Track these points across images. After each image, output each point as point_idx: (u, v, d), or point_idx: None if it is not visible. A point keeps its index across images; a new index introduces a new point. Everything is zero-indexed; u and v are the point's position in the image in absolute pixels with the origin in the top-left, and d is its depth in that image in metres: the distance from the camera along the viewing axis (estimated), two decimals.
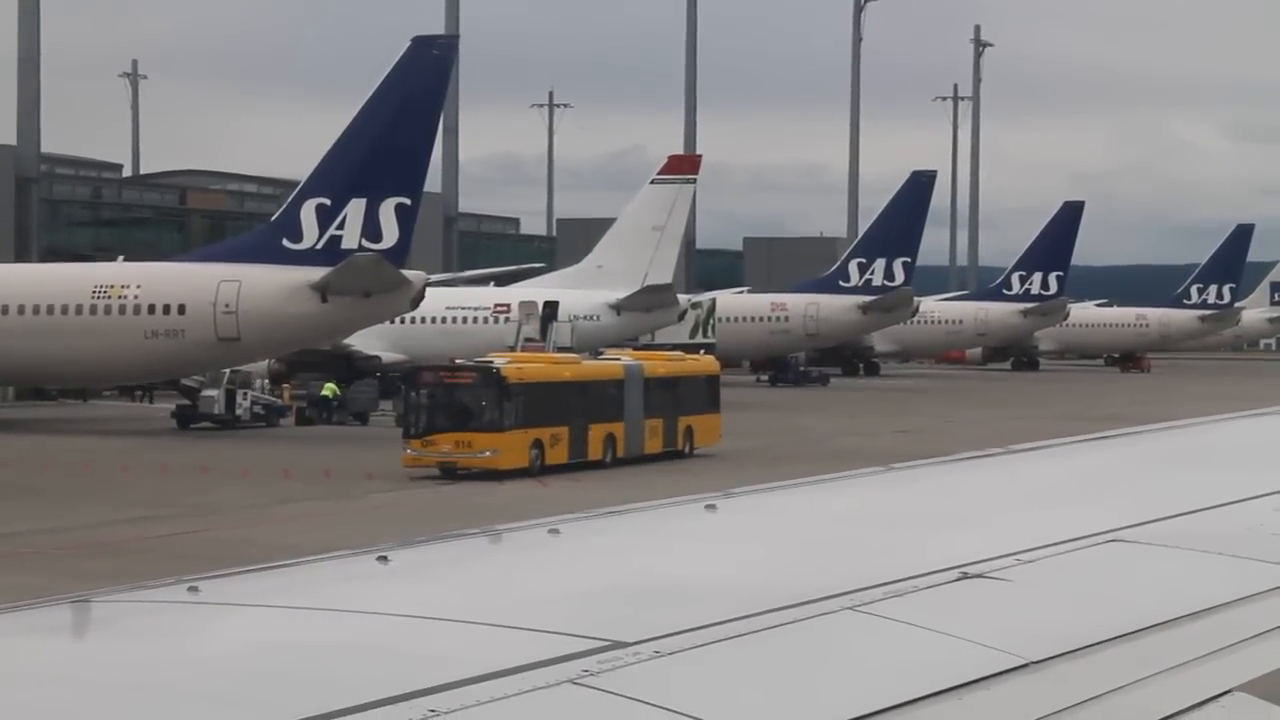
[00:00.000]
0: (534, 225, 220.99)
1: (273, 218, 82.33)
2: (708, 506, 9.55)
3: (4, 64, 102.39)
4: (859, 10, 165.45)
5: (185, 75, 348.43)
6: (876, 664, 6.93)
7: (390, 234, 76.52)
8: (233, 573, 7.68)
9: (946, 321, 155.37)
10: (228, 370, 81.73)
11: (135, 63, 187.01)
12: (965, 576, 8.03)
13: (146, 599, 7.34)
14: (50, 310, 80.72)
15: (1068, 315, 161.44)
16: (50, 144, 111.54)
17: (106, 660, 6.58)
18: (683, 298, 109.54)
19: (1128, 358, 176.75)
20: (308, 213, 77.77)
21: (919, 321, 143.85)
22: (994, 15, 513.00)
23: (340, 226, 77.07)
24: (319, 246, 77.37)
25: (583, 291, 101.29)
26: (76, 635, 7.18)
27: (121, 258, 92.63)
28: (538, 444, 61.19)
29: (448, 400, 60.64)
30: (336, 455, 67.91)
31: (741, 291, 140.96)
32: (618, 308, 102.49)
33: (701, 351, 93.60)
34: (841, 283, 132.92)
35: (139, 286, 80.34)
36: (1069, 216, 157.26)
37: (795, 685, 6.53)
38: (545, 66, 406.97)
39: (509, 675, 6.05)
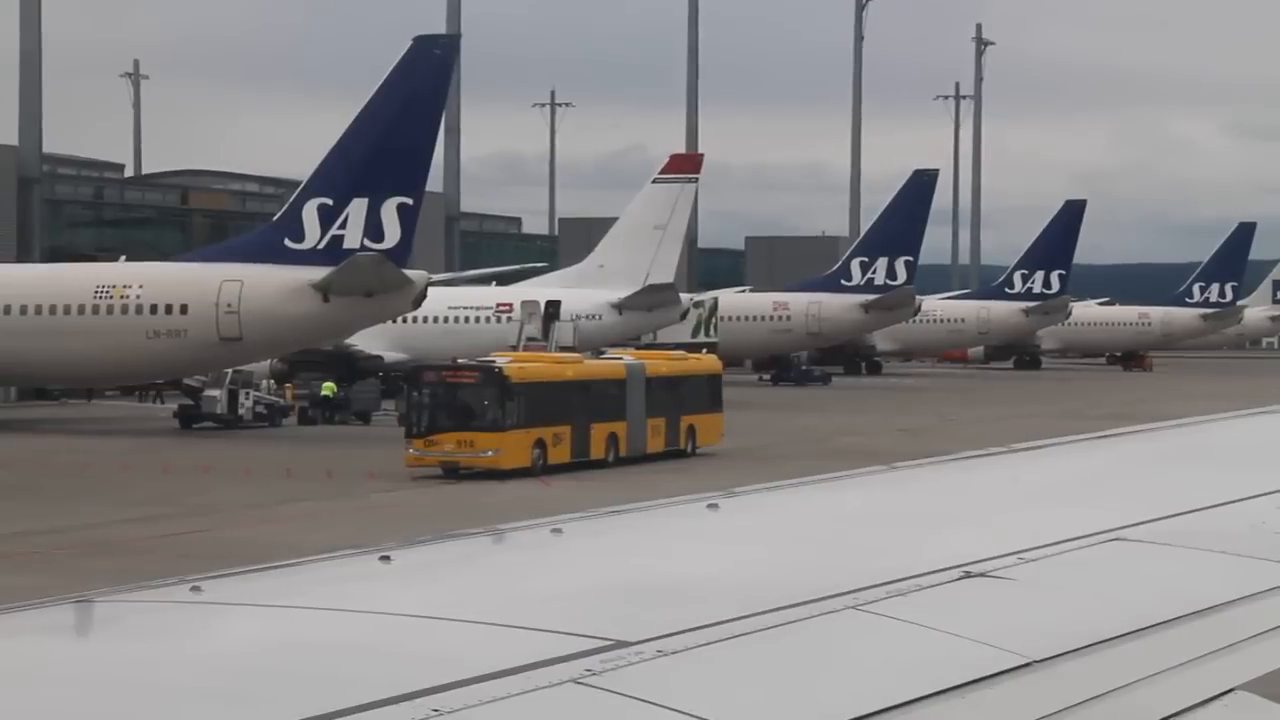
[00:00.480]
0: (536, 224, 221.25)
1: (275, 217, 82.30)
2: (710, 506, 9.56)
3: (6, 64, 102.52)
4: (860, 9, 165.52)
5: (187, 75, 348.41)
6: (879, 663, 6.93)
7: (392, 234, 76.54)
8: (235, 572, 7.69)
9: (948, 320, 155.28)
10: (230, 370, 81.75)
11: (137, 62, 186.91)
12: (968, 575, 8.03)
13: (149, 599, 7.35)
14: (53, 310, 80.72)
15: (1070, 314, 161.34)
16: (52, 144, 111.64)
17: (109, 660, 6.59)
18: (685, 297, 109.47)
19: (1130, 356, 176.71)
20: (310, 212, 77.79)
21: (921, 320, 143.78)
22: (995, 14, 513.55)
23: (342, 226, 77.08)
24: (321, 246, 77.38)
25: (585, 291, 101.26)
26: (79, 635, 7.18)
27: (124, 257, 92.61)
28: (540, 443, 61.19)
29: (450, 400, 60.63)
30: (338, 455, 67.93)
31: (743, 291, 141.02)
32: (620, 307, 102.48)
33: (704, 351, 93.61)
34: (844, 282, 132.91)
35: (141, 286, 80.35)
36: (1071, 215, 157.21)
37: (798, 684, 6.53)
38: (547, 66, 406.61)
39: (512, 675, 6.05)
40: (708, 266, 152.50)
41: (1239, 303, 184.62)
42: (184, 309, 78.74)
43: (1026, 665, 7.01)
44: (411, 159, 77.04)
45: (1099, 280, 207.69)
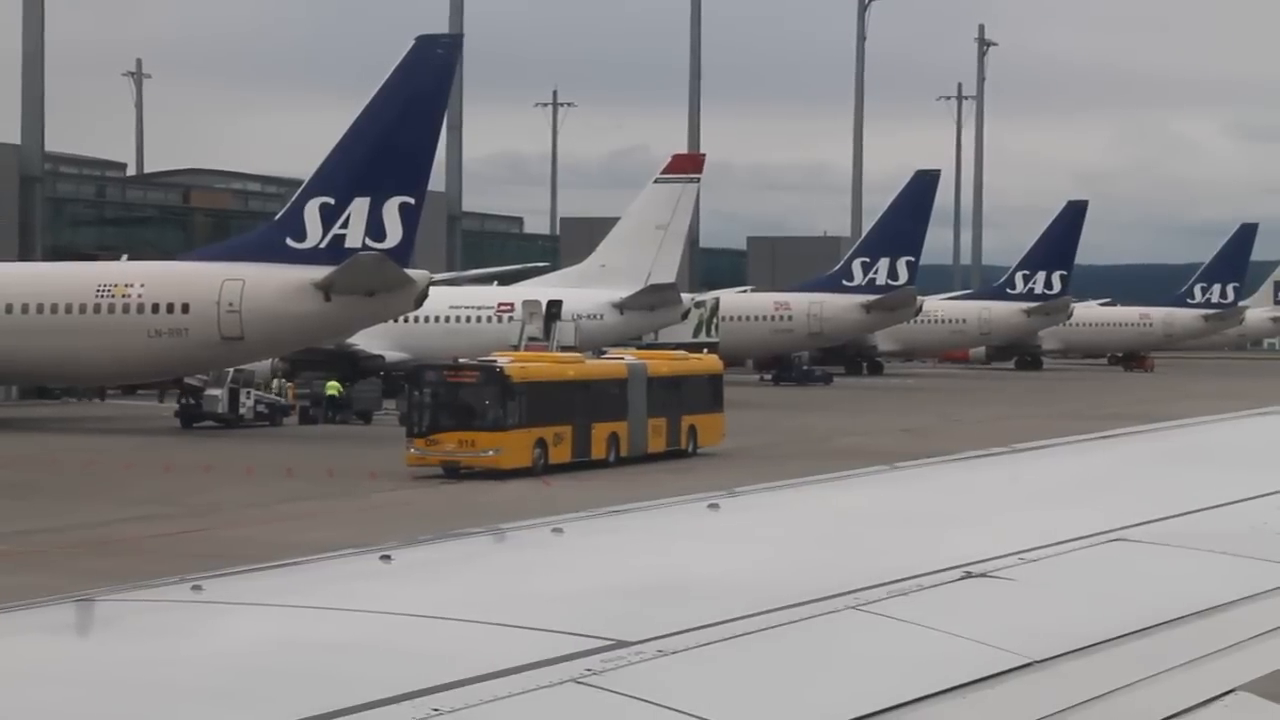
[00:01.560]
0: (538, 224, 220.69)
1: (276, 217, 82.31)
2: (711, 506, 9.55)
3: (8, 62, 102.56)
4: (863, 9, 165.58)
5: (189, 74, 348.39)
6: (880, 663, 6.93)
7: (394, 233, 76.54)
8: (236, 571, 7.69)
9: (950, 321, 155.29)
10: (231, 369, 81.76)
11: (139, 61, 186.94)
12: (969, 575, 8.03)
13: (150, 598, 7.35)
14: (54, 309, 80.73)
15: (1071, 314, 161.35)
16: (54, 143, 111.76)
17: (110, 659, 6.59)
18: (686, 297, 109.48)
19: (1131, 357, 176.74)
20: (311, 212, 77.80)
21: (922, 321, 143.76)
22: (998, 15, 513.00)
23: (344, 225, 77.08)
24: (323, 245, 77.39)
25: (586, 290, 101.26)
26: (80, 634, 7.18)
27: (125, 256, 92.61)
28: (541, 443, 61.19)
29: (451, 399, 60.63)
30: (340, 454, 67.94)
31: (745, 291, 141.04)
32: (621, 307, 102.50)
33: (705, 351, 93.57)
34: (845, 282, 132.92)
35: (143, 285, 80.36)
36: (1072, 215, 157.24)
37: (799, 684, 6.53)
38: (549, 65, 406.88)
39: (512, 674, 6.05)
40: (709, 266, 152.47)
41: (1240, 303, 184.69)
42: (185, 308, 78.75)
43: (1027, 665, 7.01)
44: (413, 158, 77.05)
45: (1100, 281, 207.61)
